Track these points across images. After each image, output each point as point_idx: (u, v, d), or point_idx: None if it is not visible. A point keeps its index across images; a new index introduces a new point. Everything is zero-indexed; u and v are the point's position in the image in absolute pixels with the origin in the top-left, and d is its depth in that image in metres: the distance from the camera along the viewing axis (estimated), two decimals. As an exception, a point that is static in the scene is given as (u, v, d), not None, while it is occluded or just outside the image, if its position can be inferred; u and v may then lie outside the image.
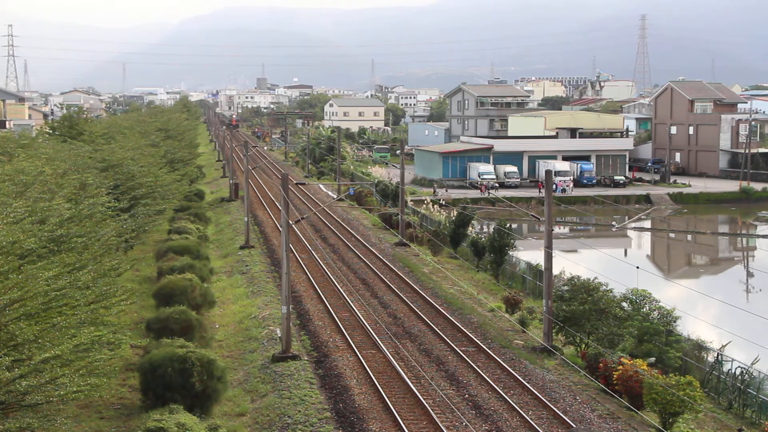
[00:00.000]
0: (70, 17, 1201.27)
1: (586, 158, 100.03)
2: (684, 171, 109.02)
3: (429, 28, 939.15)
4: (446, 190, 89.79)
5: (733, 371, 29.48)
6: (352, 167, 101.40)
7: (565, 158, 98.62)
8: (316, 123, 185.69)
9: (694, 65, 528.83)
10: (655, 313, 33.73)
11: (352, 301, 39.26)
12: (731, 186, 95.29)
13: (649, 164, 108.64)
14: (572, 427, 24.70)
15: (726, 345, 31.05)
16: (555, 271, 35.97)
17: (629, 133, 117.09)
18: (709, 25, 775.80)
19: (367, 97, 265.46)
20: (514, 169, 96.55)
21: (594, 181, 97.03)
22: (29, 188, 29.79)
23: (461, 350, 31.94)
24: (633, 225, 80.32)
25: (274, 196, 78.29)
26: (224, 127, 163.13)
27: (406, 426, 24.43)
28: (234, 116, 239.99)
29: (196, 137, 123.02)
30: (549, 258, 32.94)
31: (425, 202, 73.95)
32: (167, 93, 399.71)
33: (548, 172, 34.50)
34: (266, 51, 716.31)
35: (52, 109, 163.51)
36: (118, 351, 24.10)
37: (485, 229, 65.63)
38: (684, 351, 31.36)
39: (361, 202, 77.43)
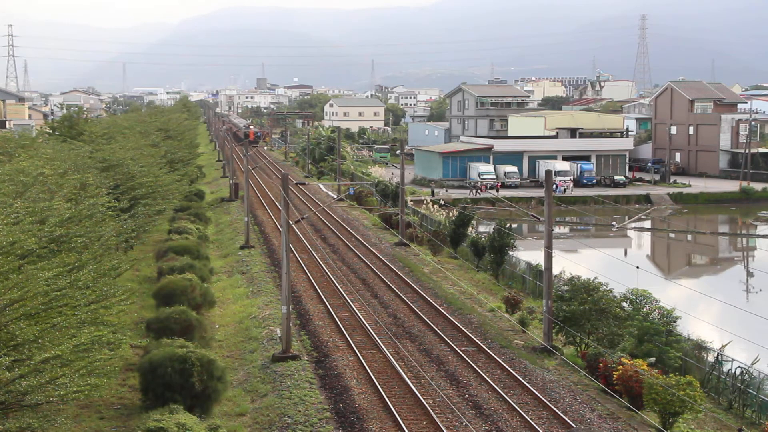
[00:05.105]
0: (70, 17, 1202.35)
1: (586, 158, 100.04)
2: (684, 171, 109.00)
3: (429, 28, 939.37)
4: (446, 190, 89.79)
5: (733, 371, 29.49)
6: (352, 167, 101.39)
7: (565, 158, 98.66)
8: (316, 123, 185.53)
9: (694, 65, 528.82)
10: (655, 313, 33.72)
11: (352, 301, 39.24)
12: (731, 186, 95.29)
13: (649, 164, 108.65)
14: (572, 427, 24.69)
15: (726, 345, 31.05)
16: (555, 271, 35.97)
17: (629, 133, 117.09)
18: (709, 25, 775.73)
19: (367, 97, 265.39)
20: (514, 169, 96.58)
21: (594, 181, 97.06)
22: (29, 188, 29.78)
23: (461, 350, 31.93)
24: (633, 225, 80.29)
25: (274, 196, 78.27)
26: (226, 131, 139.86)
27: (406, 426, 24.42)
28: (251, 125, 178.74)
29: (196, 137, 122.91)
30: (549, 258, 32.93)
31: (425, 202, 73.94)
32: (167, 93, 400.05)
33: (548, 172, 34.49)
34: (266, 51, 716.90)
35: (52, 109, 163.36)
36: (118, 351, 24.07)
37: (484, 230, 65.57)
38: (684, 351, 31.35)
39: (361, 202, 77.43)
